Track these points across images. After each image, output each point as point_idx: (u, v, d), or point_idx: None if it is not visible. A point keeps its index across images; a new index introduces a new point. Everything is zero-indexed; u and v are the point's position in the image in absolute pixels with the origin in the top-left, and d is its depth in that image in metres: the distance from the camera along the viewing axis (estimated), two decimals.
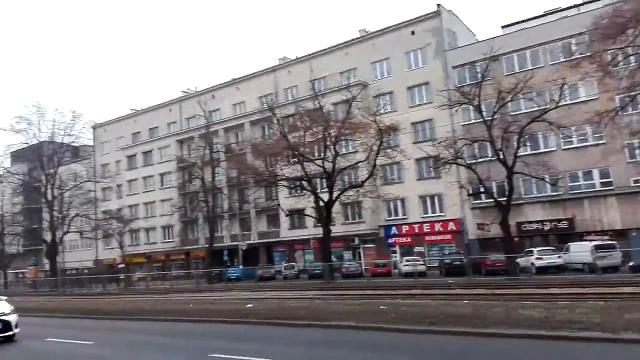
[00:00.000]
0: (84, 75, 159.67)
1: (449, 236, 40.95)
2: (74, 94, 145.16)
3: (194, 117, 55.25)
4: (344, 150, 38.77)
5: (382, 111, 37.55)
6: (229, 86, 56.74)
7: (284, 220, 47.43)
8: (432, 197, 41.85)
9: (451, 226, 40.69)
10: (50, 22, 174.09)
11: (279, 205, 43.79)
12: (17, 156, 57.03)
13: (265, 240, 50.64)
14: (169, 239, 57.72)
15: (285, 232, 48.65)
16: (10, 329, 13.22)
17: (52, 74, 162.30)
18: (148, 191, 60.16)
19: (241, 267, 46.42)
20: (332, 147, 35.17)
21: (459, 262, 33.77)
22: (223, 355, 9.69)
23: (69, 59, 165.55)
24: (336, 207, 38.41)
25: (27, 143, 52.06)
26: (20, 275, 68.80)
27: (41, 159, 52.33)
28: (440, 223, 41.21)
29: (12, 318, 13.43)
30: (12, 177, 57.53)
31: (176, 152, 56.47)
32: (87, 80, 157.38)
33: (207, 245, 48.80)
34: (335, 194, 35.99)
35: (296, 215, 45.34)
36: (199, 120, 52.58)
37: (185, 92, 61.25)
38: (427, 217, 41.92)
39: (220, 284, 41.12)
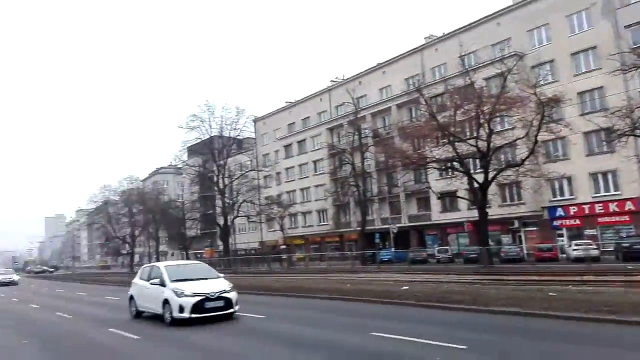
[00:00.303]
0: (246, 73, 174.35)
1: (626, 217, 36.35)
2: (237, 92, 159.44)
3: (343, 104, 56.79)
4: (499, 128, 36.53)
5: (542, 82, 34.38)
6: (375, 71, 57.09)
7: (435, 203, 46.50)
8: (604, 174, 37.46)
9: (629, 206, 36.03)
10: (216, 29, 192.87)
11: (429, 187, 43.02)
12: (193, 150, 64.56)
13: (416, 224, 50.25)
14: (323, 222, 60.59)
15: (437, 215, 47.66)
16: (232, 307, 13.12)
17: (219, 75, 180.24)
18: (303, 178, 63.73)
19: (393, 249, 46.78)
20: (486, 124, 33.31)
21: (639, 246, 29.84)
22: (386, 335, 9.85)
23: (232, 60, 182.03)
24: (492, 189, 36.42)
25: (200, 138, 58.64)
26: (199, 256, 78.05)
27: (212, 152, 58.59)
28: (616, 203, 36.72)
29: (233, 295, 13.24)
30: (189, 169, 65.38)
31: (327, 140, 58.78)
32: (249, 77, 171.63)
33: (359, 228, 50.13)
34: (490, 175, 34.14)
35: (448, 198, 44.12)
36: (347, 108, 53.90)
37: (333, 81, 63.23)
38: (599, 196, 37.63)
39: (373, 265, 41.92)
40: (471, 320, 11.71)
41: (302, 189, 64.14)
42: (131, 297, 15.36)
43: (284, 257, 54.26)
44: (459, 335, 9.65)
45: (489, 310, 12.42)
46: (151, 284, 13.77)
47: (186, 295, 12.59)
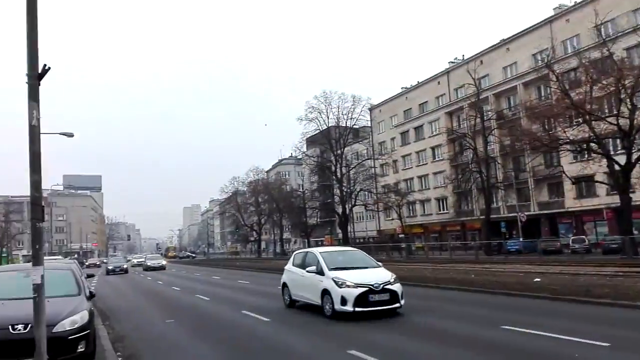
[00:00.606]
0: (362, 61, 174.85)
1: None
2: (353, 80, 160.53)
3: (463, 86, 54.34)
4: None
5: None
6: (498, 48, 53.78)
7: (569, 189, 42.72)
8: None
9: None
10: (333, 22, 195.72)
11: (562, 172, 39.60)
12: (312, 141, 66.45)
13: (547, 211, 46.66)
14: (443, 210, 58.83)
15: (571, 201, 43.78)
16: (397, 301, 11.59)
17: (336, 64, 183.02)
18: (421, 165, 62.38)
19: (521, 239, 43.96)
20: (628, 100, 29.71)
21: None
22: (519, 329, 9.32)
23: (348, 49, 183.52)
24: (637, 171, 32.47)
25: (318, 129, 60.11)
26: (319, 243, 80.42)
27: (330, 142, 59.79)
28: None
29: (398, 288, 11.72)
30: (309, 159, 67.40)
31: (446, 125, 56.76)
32: (364, 65, 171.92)
33: (482, 217, 47.84)
34: (635, 156, 30.45)
35: (584, 183, 40.27)
36: (468, 89, 51.44)
37: (452, 62, 60.82)
38: None
39: (499, 256, 39.83)
40: (614, 316, 10.61)
41: (420, 177, 62.84)
42: (284, 285, 14.33)
43: (402, 246, 53.74)
44: (601, 331, 8.77)
45: (634, 306, 11.18)
46: (307, 271, 12.72)
47: (348, 286, 11.30)
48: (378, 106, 71.45)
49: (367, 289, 11.23)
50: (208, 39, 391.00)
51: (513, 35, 51.90)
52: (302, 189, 77.44)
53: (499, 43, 53.69)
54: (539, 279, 17.29)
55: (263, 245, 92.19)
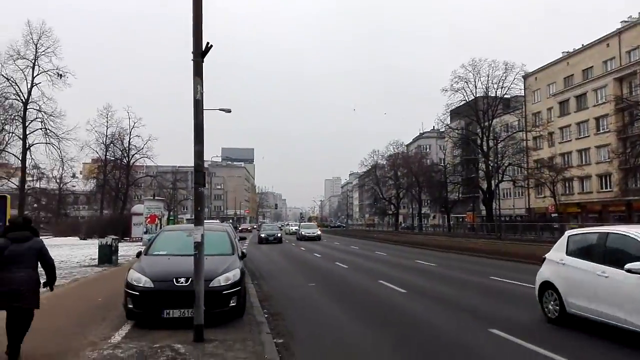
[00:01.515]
0: (515, 24, 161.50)
1: None
2: (506, 46, 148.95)
3: (637, 48, 47.27)
4: None
5: None
6: None
7: None
8: None
9: None
10: None
11: None
12: (456, 113, 63.54)
13: None
14: (606, 188, 52.53)
15: None
16: None
17: (485, 30, 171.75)
18: (582, 137, 56.12)
19: None
20: None
21: None
22: None
23: (499, 13, 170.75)
24: None
25: (465, 100, 57.22)
26: (460, 220, 77.59)
27: (477, 114, 56.59)
28: None
29: None
30: (452, 132, 64.77)
31: (614, 92, 50.02)
32: (518, 29, 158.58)
33: None
34: None
35: None
36: None
37: (625, 21, 53.21)
38: None
39: None
40: None
41: (579, 151, 56.62)
42: (547, 286, 8.64)
43: (555, 226, 49.28)
44: None
45: None
46: (626, 270, 6.79)
47: None
48: (533, 73, 65.50)
49: None
50: (361, 17, 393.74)
51: None
52: (444, 163, 74.93)
53: None
54: None
55: (400, 219, 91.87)
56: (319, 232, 47.61)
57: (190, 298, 6.89)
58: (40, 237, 6.35)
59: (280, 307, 10.33)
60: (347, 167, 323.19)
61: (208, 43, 7.09)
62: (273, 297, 11.83)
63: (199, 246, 6.85)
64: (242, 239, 25.02)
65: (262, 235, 41.48)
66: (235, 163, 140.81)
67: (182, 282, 7.56)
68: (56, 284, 6.39)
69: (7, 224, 6.38)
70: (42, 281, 6.04)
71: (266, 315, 9.12)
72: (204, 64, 7.12)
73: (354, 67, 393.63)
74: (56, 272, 6.41)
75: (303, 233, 46.79)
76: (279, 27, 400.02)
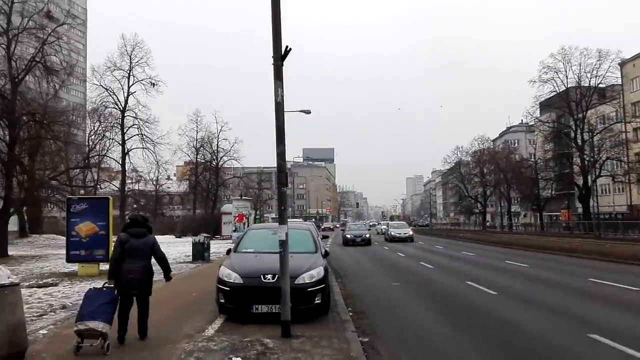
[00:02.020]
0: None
1: None
2: (599, 32, 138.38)
3: None
4: None
5: None
6: None
7: None
8: None
9: None
10: None
11: None
12: (546, 105, 59.91)
13: None
14: None
15: None
16: None
17: (576, 17, 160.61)
18: None
19: None
20: None
21: None
22: None
23: None
24: None
25: (555, 91, 53.80)
26: (554, 218, 73.05)
27: (569, 105, 52.99)
28: None
29: None
30: (542, 125, 61.14)
31: None
32: (610, 14, 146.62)
33: None
34: None
35: None
36: None
37: None
38: None
39: None
40: None
41: None
42: None
43: None
44: None
45: None
46: None
47: None
48: (631, 60, 60.10)
49: None
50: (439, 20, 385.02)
51: None
52: (534, 158, 70.87)
53: None
54: None
55: (488, 217, 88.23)
56: (411, 233, 42.57)
57: (276, 294, 7.12)
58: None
59: (364, 306, 10.35)
60: (429, 164, 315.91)
61: (287, 46, 7.26)
62: (357, 295, 11.89)
63: (283, 244, 7.06)
64: (325, 237, 25.24)
65: (348, 236, 36.65)
66: (316, 163, 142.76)
67: (269, 279, 7.82)
68: (155, 278, 6.93)
69: (128, 220, 7.22)
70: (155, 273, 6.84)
71: (350, 314, 9.17)
72: (283, 67, 7.32)
73: (431, 64, 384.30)
74: (169, 264, 7.10)
75: (393, 234, 41.27)
76: (357, 31, 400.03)
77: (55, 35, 27.25)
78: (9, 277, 5.92)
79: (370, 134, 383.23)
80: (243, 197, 45.64)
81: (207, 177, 57.42)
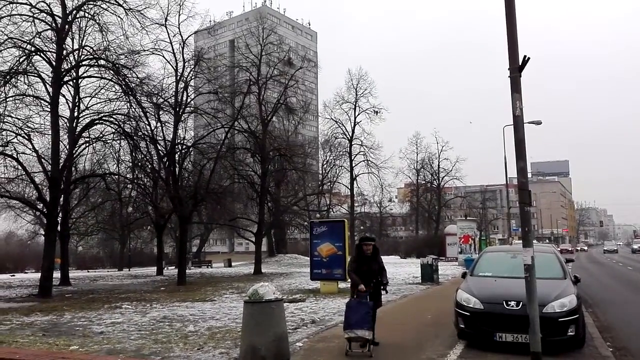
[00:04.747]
0: None
1: None
2: None
3: None
4: None
5: None
6: None
7: None
8: None
9: None
10: None
11: None
12: None
13: None
14: None
15: None
16: None
17: None
18: None
19: None
20: None
21: None
22: None
23: None
24: None
25: None
26: None
27: None
28: None
29: None
30: None
31: None
32: None
33: None
34: None
35: None
36: None
37: None
38: None
39: None
40: None
41: None
42: None
43: None
44: None
45: None
46: None
47: None
48: None
49: None
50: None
51: None
52: None
53: None
54: None
55: None
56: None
57: (522, 323, 6.62)
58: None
59: (626, 341, 8.89)
60: None
61: (525, 56, 6.81)
62: (614, 327, 10.29)
63: (529, 269, 6.54)
64: (569, 261, 22.75)
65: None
66: (547, 178, 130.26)
67: (512, 306, 7.35)
68: (387, 299, 7.38)
69: (357, 242, 8.53)
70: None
71: (611, 349, 7.98)
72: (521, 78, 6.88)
73: None
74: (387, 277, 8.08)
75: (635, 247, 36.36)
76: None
77: (294, 80, 31.41)
78: (274, 293, 6.85)
79: (611, 142, 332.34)
80: (468, 218, 44.29)
81: (429, 197, 57.59)
